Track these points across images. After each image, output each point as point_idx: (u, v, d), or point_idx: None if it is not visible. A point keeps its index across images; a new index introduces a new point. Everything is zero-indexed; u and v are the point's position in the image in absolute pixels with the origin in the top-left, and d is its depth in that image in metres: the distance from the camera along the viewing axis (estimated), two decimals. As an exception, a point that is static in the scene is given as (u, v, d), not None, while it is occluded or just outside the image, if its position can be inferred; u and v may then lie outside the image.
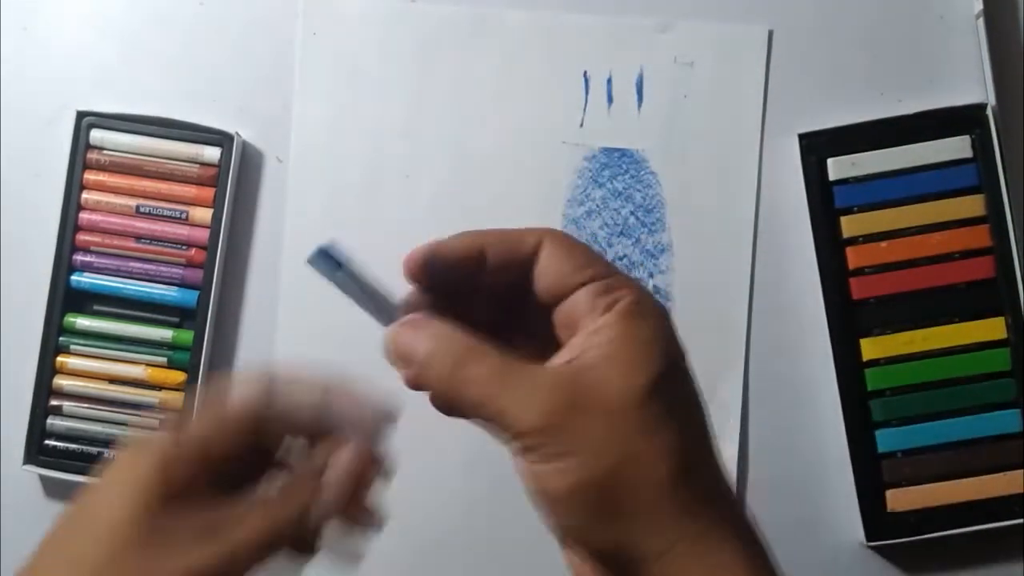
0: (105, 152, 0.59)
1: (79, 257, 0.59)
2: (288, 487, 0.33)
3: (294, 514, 0.33)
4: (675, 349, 0.31)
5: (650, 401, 0.30)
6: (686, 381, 0.31)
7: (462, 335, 0.31)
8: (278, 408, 0.34)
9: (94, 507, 0.32)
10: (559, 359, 0.31)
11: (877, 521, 0.57)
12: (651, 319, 0.31)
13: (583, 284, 0.32)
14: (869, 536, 0.57)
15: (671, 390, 0.30)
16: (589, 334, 0.31)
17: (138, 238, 0.59)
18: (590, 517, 0.30)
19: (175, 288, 0.59)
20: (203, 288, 0.59)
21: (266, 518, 0.32)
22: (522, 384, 0.30)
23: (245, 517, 0.32)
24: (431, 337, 0.31)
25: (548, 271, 0.32)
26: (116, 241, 0.59)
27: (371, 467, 0.34)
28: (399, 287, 0.61)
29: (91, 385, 0.59)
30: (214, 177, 0.59)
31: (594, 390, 0.30)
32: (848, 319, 0.58)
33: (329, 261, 0.33)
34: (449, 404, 0.31)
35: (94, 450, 0.58)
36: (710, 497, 0.30)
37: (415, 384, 0.31)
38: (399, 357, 0.32)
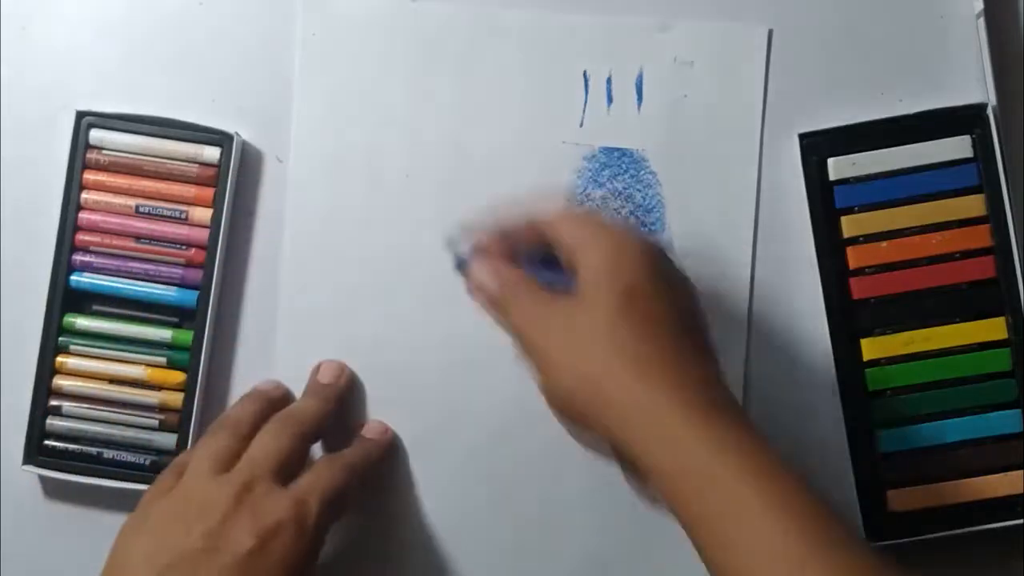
0: (105, 152, 0.59)
1: (78, 257, 0.59)
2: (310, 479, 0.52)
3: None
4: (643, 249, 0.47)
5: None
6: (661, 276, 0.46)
7: (518, 272, 0.48)
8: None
9: None
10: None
11: (878, 521, 0.57)
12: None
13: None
14: (870, 536, 0.57)
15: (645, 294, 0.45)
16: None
17: (138, 238, 0.59)
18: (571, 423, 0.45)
19: (175, 288, 0.59)
20: (203, 288, 0.59)
21: None
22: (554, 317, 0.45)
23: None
24: (498, 273, 0.48)
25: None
26: (116, 241, 0.59)
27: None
28: (396, 286, 0.62)
29: (91, 385, 0.59)
30: (214, 177, 0.59)
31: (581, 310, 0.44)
32: (848, 319, 0.58)
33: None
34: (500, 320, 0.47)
35: (94, 450, 0.58)
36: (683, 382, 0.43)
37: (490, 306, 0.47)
38: (477, 285, 0.48)
